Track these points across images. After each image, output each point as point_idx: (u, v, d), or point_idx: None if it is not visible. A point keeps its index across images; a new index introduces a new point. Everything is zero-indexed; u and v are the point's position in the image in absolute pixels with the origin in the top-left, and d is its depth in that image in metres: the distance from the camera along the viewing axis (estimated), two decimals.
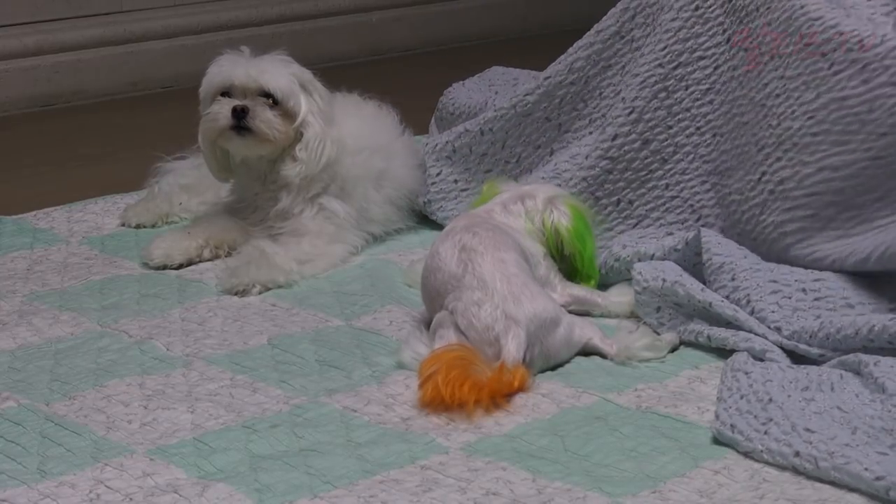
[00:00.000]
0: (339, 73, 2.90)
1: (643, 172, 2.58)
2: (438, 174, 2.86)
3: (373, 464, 1.88)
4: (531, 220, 2.38)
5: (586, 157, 2.61)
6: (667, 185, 2.57)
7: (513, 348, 2.10)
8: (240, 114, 2.60)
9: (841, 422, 1.90)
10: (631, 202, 2.59)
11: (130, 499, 1.80)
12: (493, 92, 3.22)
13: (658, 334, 2.25)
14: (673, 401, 2.05)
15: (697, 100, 2.56)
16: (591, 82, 2.73)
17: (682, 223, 2.56)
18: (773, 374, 2.03)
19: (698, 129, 2.56)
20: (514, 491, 1.80)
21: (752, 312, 2.21)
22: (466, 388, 2.00)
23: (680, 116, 2.57)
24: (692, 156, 2.56)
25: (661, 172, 2.57)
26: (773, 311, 2.20)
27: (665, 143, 2.57)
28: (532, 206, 2.40)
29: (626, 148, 2.58)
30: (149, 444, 1.95)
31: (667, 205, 2.57)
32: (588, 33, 2.75)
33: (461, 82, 3.33)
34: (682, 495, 1.78)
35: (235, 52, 2.67)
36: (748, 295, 2.24)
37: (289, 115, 2.63)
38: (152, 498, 1.80)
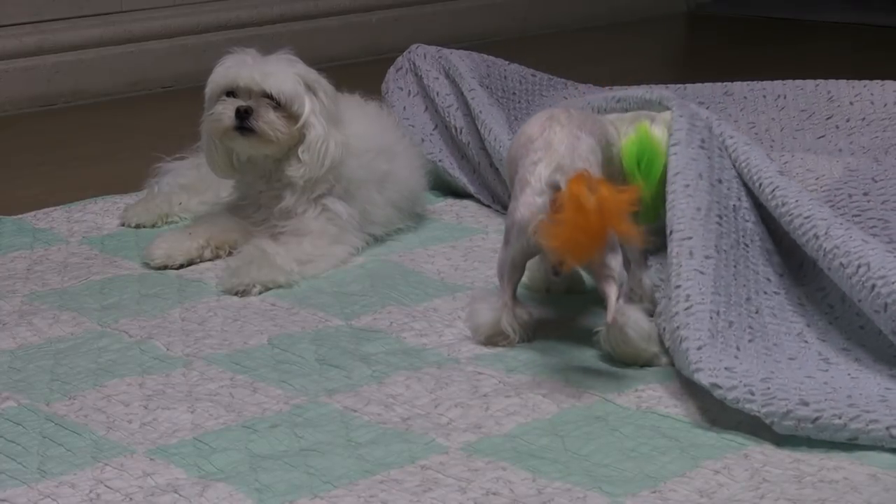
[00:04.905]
0: (339, 73, 2.89)
1: None
2: None
3: (373, 464, 1.88)
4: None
5: None
6: None
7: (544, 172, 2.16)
8: (243, 115, 2.60)
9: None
10: None
11: (130, 499, 1.80)
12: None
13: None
14: (673, 401, 2.05)
15: None
16: None
17: None
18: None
19: None
20: (514, 491, 1.80)
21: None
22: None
23: None
24: None
25: None
26: None
27: None
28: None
29: None
30: (149, 444, 1.95)
31: None
32: None
33: None
34: (682, 495, 1.78)
35: (241, 51, 2.67)
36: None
37: (293, 116, 2.63)
38: (152, 498, 1.80)
